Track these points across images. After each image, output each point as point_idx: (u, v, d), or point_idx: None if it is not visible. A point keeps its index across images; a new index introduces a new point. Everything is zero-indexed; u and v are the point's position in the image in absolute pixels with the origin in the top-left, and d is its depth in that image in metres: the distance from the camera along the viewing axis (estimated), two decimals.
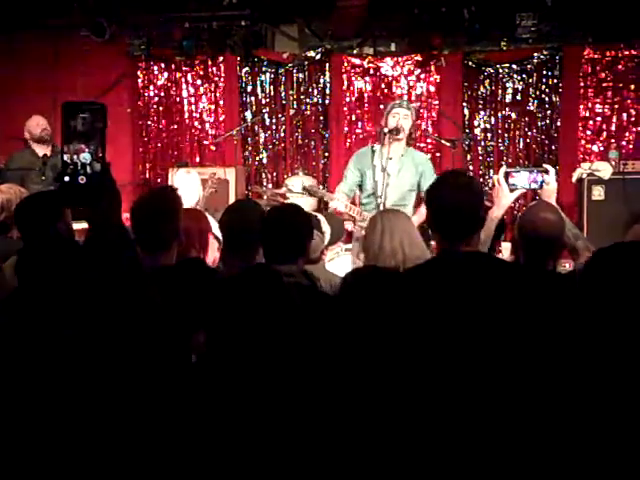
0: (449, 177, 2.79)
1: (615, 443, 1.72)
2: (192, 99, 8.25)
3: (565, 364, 1.83)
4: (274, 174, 8.25)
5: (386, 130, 5.45)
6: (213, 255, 3.54)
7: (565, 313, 2.23)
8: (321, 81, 8.05)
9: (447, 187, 2.68)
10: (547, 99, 7.65)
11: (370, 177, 5.50)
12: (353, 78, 7.91)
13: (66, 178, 1.71)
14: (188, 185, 5.78)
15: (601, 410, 1.73)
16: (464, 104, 7.80)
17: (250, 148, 8.24)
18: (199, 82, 8.22)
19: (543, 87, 7.65)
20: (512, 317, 2.43)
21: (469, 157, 7.80)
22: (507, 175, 3.46)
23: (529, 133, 7.72)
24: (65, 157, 1.71)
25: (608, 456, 1.74)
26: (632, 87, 7.39)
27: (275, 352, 2.01)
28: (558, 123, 7.61)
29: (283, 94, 8.15)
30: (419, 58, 7.76)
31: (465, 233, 2.63)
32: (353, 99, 7.95)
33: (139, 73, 8.26)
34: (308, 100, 8.10)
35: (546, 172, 3.49)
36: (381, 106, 7.89)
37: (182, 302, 2.41)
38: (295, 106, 8.13)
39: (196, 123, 8.28)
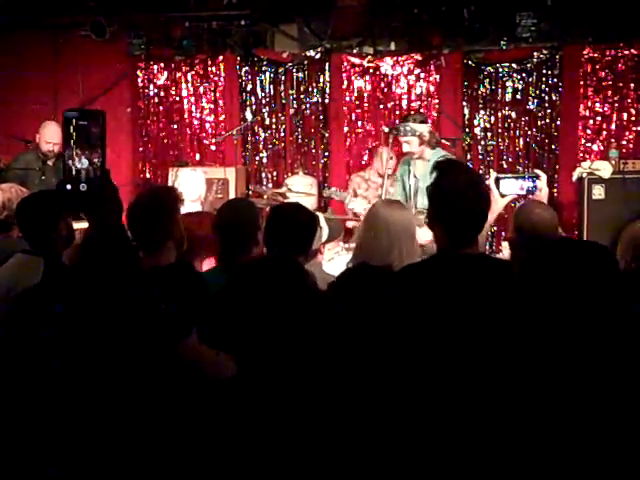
0: (447, 174, 2.72)
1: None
2: (192, 99, 8.26)
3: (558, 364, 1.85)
4: (274, 174, 8.25)
5: (387, 130, 5.50)
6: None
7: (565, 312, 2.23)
8: (321, 80, 8.05)
9: (456, 184, 2.62)
10: (547, 98, 7.64)
11: (407, 181, 5.57)
12: (353, 77, 7.91)
13: (68, 186, 1.75)
14: (193, 183, 5.79)
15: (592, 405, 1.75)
16: (464, 103, 7.79)
17: (250, 147, 8.24)
18: (199, 82, 8.22)
19: (543, 86, 7.64)
20: (505, 318, 2.43)
21: (469, 156, 7.79)
22: (497, 181, 3.46)
23: (529, 132, 7.72)
24: (66, 163, 1.75)
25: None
26: (632, 86, 7.38)
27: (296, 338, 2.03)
28: (558, 122, 7.60)
29: (283, 93, 8.15)
30: (419, 57, 7.75)
31: (473, 232, 2.61)
32: (353, 98, 7.95)
33: (139, 73, 8.26)
34: (308, 99, 8.10)
35: (537, 178, 3.50)
36: (381, 106, 7.92)
37: (171, 304, 2.42)
38: (295, 105, 8.13)
39: (196, 122, 8.28)
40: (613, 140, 7.36)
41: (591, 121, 7.51)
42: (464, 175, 2.66)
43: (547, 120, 7.67)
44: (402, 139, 5.45)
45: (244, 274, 2.53)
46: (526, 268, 1.87)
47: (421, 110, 7.74)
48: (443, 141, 6.78)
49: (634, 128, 7.43)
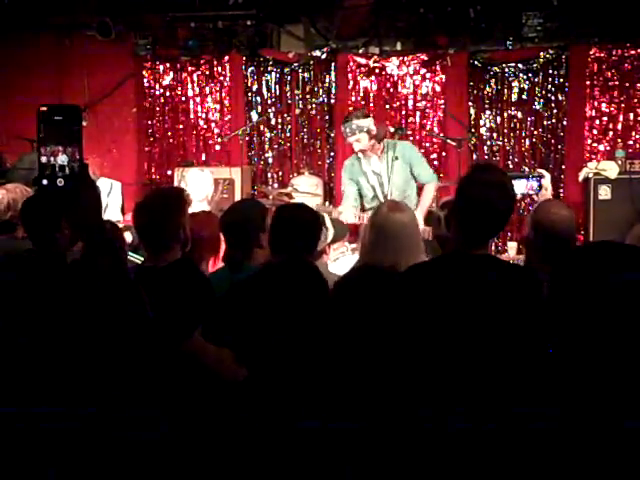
0: (481, 173, 2.69)
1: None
2: (198, 99, 8.26)
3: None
4: (280, 173, 8.25)
5: (392, 130, 5.58)
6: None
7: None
8: (327, 80, 8.04)
9: (480, 184, 2.58)
10: (553, 98, 7.63)
11: (365, 182, 5.77)
12: (359, 77, 7.89)
13: (44, 181, 1.73)
14: (200, 183, 5.80)
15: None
16: (470, 103, 7.77)
17: (256, 147, 8.25)
18: (205, 82, 8.22)
19: (549, 86, 7.63)
20: (512, 318, 2.42)
21: (475, 156, 7.78)
22: None
23: (535, 132, 7.70)
24: (42, 159, 1.73)
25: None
26: (638, 86, 7.36)
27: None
28: (564, 122, 7.58)
29: (289, 94, 8.14)
30: (425, 57, 7.73)
31: (489, 234, 2.60)
32: (359, 98, 7.93)
33: (145, 73, 8.26)
34: (314, 99, 8.09)
35: (541, 177, 3.51)
36: (386, 106, 7.90)
37: (171, 303, 2.40)
38: (301, 105, 8.13)
39: (202, 123, 8.28)
40: (619, 140, 7.34)
41: (597, 121, 7.49)
42: (490, 174, 2.64)
43: (553, 120, 7.65)
44: (352, 139, 5.63)
45: (264, 276, 2.52)
46: (559, 273, 1.85)
47: (426, 110, 7.75)
48: (449, 141, 6.79)
49: None
